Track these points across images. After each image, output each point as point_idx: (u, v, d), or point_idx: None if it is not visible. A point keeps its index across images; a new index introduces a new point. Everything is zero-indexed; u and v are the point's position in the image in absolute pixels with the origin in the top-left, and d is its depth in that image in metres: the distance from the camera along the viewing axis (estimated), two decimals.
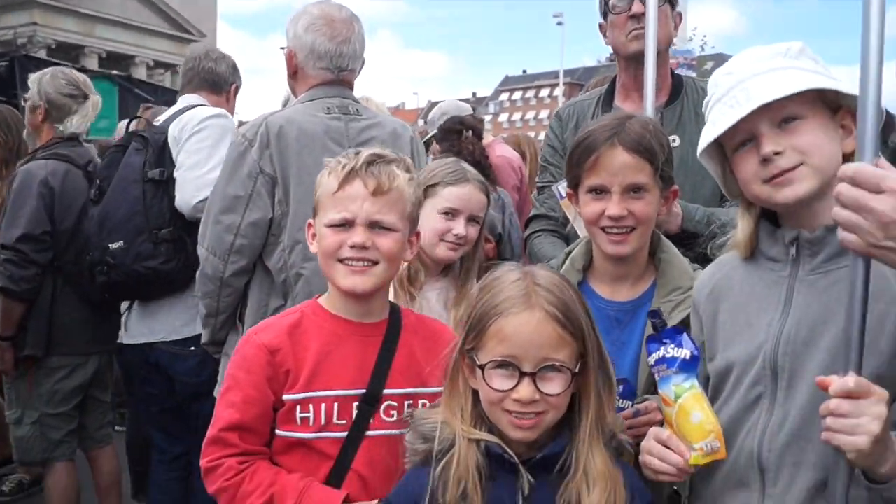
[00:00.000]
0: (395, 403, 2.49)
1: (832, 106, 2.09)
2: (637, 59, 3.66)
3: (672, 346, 2.18)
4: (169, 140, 4.55)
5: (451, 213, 3.27)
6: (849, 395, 1.80)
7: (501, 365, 2.08)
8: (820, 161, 2.05)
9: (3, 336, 4.76)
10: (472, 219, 3.30)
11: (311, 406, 2.41)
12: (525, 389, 2.05)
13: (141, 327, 4.65)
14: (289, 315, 2.56)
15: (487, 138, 6.59)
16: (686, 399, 2.13)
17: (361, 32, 3.91)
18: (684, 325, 2.37)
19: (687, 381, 2.14)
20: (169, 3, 44.51)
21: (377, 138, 3.81)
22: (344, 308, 2.52)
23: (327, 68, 3.82)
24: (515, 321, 2.07)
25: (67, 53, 37.03)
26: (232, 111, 5.09)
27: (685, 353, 2.16)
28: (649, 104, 3.40)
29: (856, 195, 1.73)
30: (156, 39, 44.54)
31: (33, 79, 5.10)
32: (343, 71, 3.85)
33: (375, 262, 2.45)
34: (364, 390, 2.45)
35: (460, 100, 7.48)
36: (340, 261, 2.44)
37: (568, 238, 3.70)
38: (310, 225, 2.58)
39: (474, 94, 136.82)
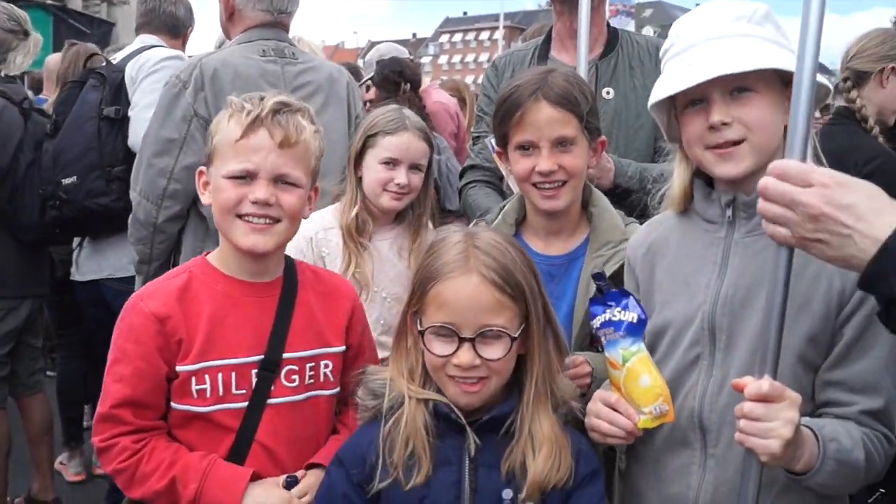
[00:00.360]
0: (297, 367, 2.37)
1: (785, 79, 2.06)
2: (571, 5, 3.67)
3: (618, 308, 2.15)
4: (126, 79, 4.63)
5: (391, 163, 3.26)
6: (762, 399, 1.82)
7: (441, 330, 2.08)
8: (762, 139, 2.07)
9: None
10: (413, 167, 3.29)
11: (206, 377, 2.26)
12: (464, 355, 2.05)
13: (91, 264, 4.75)
14: (176, 276, 2.38)
15: (425, 83, 6.55)
16: (634, 363, 2.11)
17: None
18: (624, 287, 2.35)
19: (634, 345, 2.12)
20: None
21: (313, 82, 3.81)
22: (238, 267, 2.37)
23: (267, 10, 3.78)
24: (453, 286, 2.06)
25: None
26: (184, 52, 5.16)
27: (632, 316, 2.13)
28: (583, 58, 3.44)
29: (784, 189, 1.74)
30: None
31: None
32: (282, 13, 3.82)
33: (277, 220, 2.30)
34: (262, 356, 2.32)
35: (399, 41, 7.40)
36: (240, 216, 2.28)
37: (503, 189, 3.74)
38: (201, 172, 2.41)
39: (415, 35, 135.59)
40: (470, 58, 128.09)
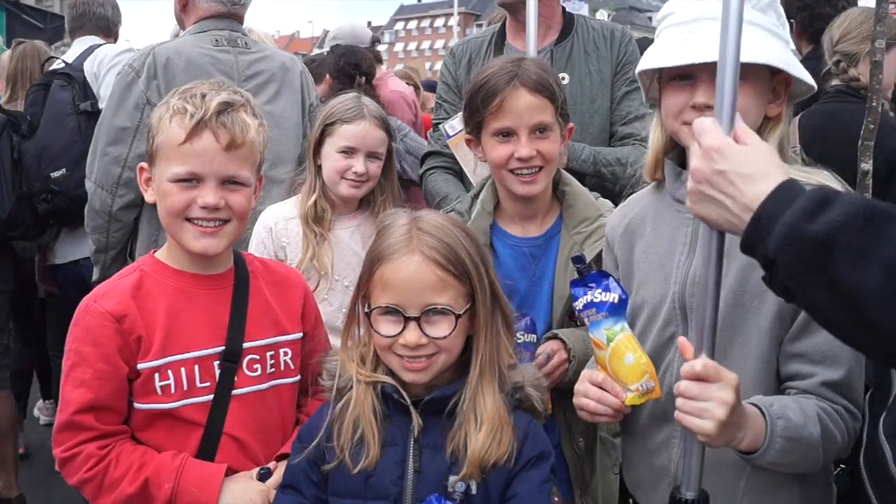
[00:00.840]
0: (258, 357, 2.36)
1: (773, 69, 2.08)
2: (509, 9, 3.75)
3: (599, 290, 2.15)
4: (88, 77, 4.87)
5: (348, 151, 3.26)
6: (697, 378, 1.82)
7: (387, 311, 2.10)
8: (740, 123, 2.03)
9: None
10: (371, 155, 3.30)
11: (170, 372, 2.24)
12: (411, 334, 2.07)
13: (70, 248, 4.94)
14: (127, 276, 2.35)
15: (381, 71, 6.56)
16: (618, 342, 2.12)
17: None
18: (603, 266, 2.40)
19: (617, 325, 2.13)
20: None
21: (266, 71, 3.86)
22: (189, 263, 2.35)
23: (220, 1, 3.82)
24: (395, 266, 2.09)
25: None
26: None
27: (613, 296, 2.14)
28: (531, 47, 3.46)
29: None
30: None
31: None
32: (235, 4, 3.87)
33: (227, 221, 2.28)
34: (223, 347, 2.31)
35: None
36: (188, 219, 2.25)
37: (463, 175, 3.80)
38: (142, 169, 2.36)
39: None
40: (426, 45, 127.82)
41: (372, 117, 3.31)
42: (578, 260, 2.24)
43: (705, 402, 1.80)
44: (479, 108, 2.68)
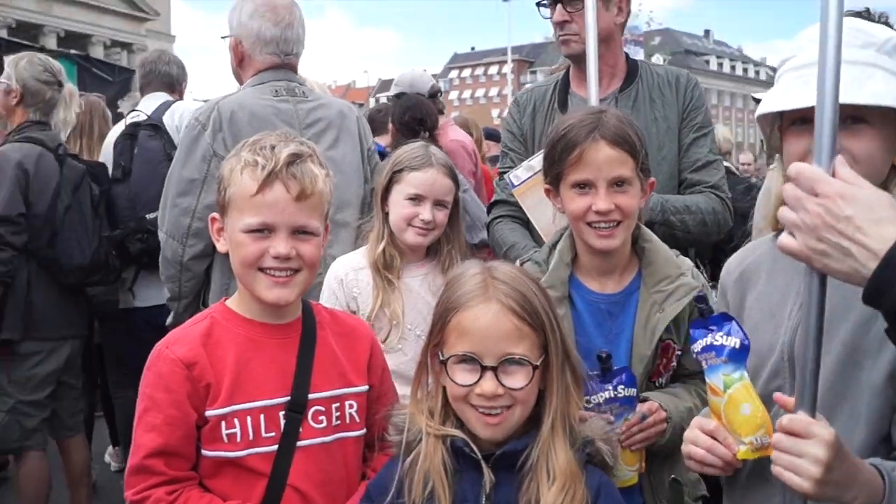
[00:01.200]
0: (323, 408, 2.36)
1: None
2: (573, 59, 3.76)
3: (720, 333, 2.07)
4: (169, 130, 5.29)
5: (416, 199, 3.27)
6: (788, 432, 1.76)
7: (463, 359, 2.07)
8: (866, 171, 1.85)
9: None
10: (438, 203, 3.29)
11: (236, 420, 2.25)
12: (487, 384, 2.04)
13: (151, 291, 5.06)
14: (198, 323, 2.38)
15: (440, 122, 6.55)
16: (736, 390, 2.02)
17: (301, 17, 4.03)
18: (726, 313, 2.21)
19: (737, 372, 2.04)
20: None
21: (325, 118, 3.94)
22: (259, 311, 2.37)
23: (274, 53, 3.92)
24: (472, 314, 2.07)
25: (27, 32, 36.73)
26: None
27: (735, 341, 2.05)
28: (593, 95, 3.43)
29: (796, 194, 1.69)
30: (112, 18, 44.08)
31: (9, 62, 5.06)
32: (288, 55, 3.96)
33: (298, 270, 2.31)
34: (289, 397, 2.32)
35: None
36: (261, 269, 2.29)
37: (530, 224, 3.75)
38: (213, 219, 2.41)
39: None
40: (480, 92, 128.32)
41: (440, 165, 3.32)
42: (700, 300, 2.20)
43: (798, 459, 1.73)
44: (558, 159, 2.66)
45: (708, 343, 2.09)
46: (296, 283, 2.31)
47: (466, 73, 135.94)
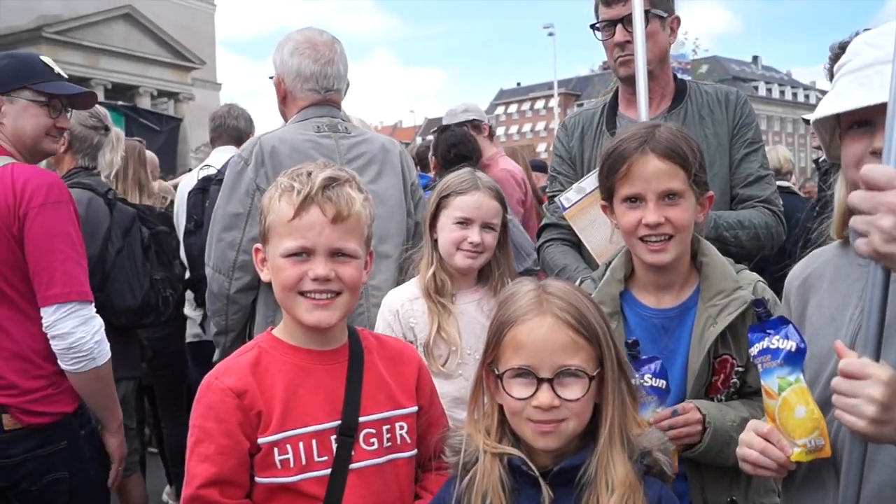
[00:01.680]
0: (374, 431, 2.37)
1: None
2: (631, 80, 3.74)
3: (777, 336, 2.08)
4: None
5: (464, 222, 3.29)
6: (846, 375, 1.78)
7: (519, 373, 2.09)
8: None
9: None
10: (486, 226, 3.31)
11: (288, 446, 2.27)
12: (544, 395, 2.05)
13: None
14: (246, 353, 2.40)
15: (489, 152, 6.53)
16: (790, 393, 2.04)
17: (344, 53, 4.07)
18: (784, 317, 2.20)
19: (792, 374, 2.05)
20: (169, 32, 44.99)
21: (367, 153, 3.97)
22: (305, 338, 2.39)
23: (314, 89, 3.96)
24: (527, 328, 2.09)
25: None
26: None
27: (791, 344, 2.06)
28: (643, 117, 3.45)
29: (868, 196, 1.69)
30: (158, 69, 45.06)
31: None
32: (329, 91, 3.99)
33: (339, 293, 2.32)
34: (339, 422, 2.33)
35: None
36: (302, 293, 2.31)
37: (581, 246, 3.76)
38: (257, 250, 2.44)
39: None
40: (527, 127, 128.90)
41: (486, 188, 3.34)
42: (759, 304, 2.18)
43: (854, 399, 1.76)
44: (609, 173, 2.67)
45: (764, 346, 2.09)
46: (337, 305, 2.32)
47: (513, 108, 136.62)
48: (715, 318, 2.60)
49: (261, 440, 2.25)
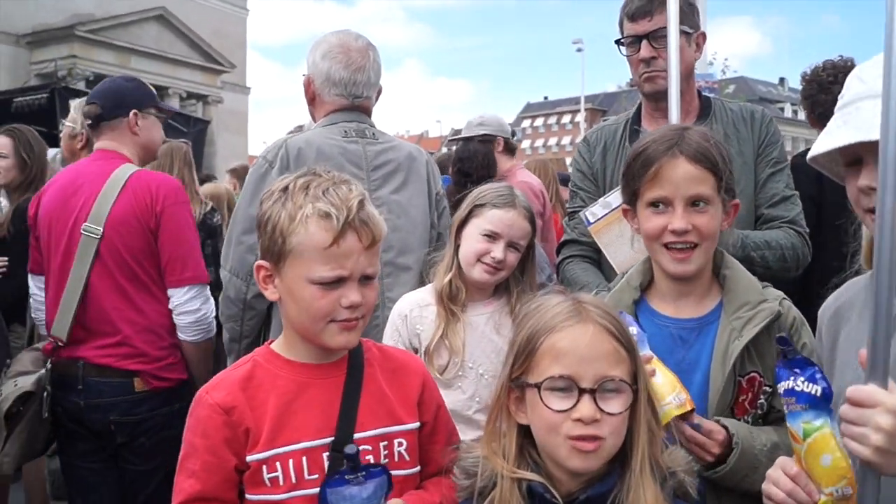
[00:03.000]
0: (370, 447, 2.28)
1: None
2: (655, 96, 3.73)
3: (802, 378, 1.98)
4: None
5: (492, 236, 3.25)
6: (854, 403, 1.75)
7: (558, 383, 1.96)
8: None
9: None
10: (512, 245, 3.27)
11: (277, 464, 2.21)
12: (586, 407, 1.92)
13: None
14: (240, 366, 2.35)
15: (506, 165, 6.50)
16: (815, 439, 1.95)
17: (377, 61, 4.02)
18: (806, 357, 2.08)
19: (818, 419, 1.95)
20: (201, 35, 45.21)
21: (393, 160, 3.92)
22: (305, 353, 2.33)
23: (342, 95, 3.93)
24: (569, 335, 1.98)
25: None
26: None
27: (816, 389, 1.96)
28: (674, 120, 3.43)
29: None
30: (188, 71, 45.21)
31: (74, 106, 5.15)
32: (358, 98, 3.96)
33: (364, 316, 2.28)
34: (332, 438, 2.25)
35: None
36: (332, 320, 2.24)
37: (601, 264, 3.72)
38: (260, 267, 2.32)
39: None
40: (552, 141, 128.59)
41: (522, 208, 3.31)
42: (783, 342, 2.04)
43: (862, 428, 1.73)
44: (636, 175, 2.56)
45: (790, 387, 2.00)
46: (360, 327, 2.28)
47: (539, 122, 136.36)
48: (740, 331, 2.49)
49: (249, 458, 2.21)
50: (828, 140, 1.99)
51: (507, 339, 2.97)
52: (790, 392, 2.00)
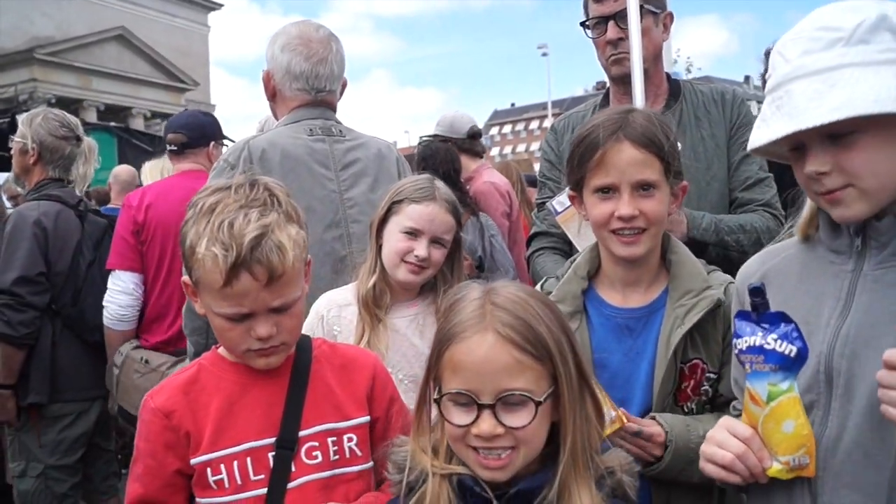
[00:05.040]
0: (317, 443, 2.25)
1: None
2: (623, 80, 3.63)
3: (773, 336, 1.85)
4: None
5: (413, 233, 3.05)
6: (892, 366, 1.67)
7: (458, 398, 1.86)
8: (872, 184, 1.83)
9: (3, 384, 4.58)
10: (436, 240, 3.08)
11: (221, 466, 2.19)
12: (485, 423, 1.82)
13: None
14: (185, 371, 2.34)
15: (472, 166, 6.37)
16: (780, 403, 1.84)
17: (340, 52, 3.84)
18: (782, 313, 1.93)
19: (785, 382, 1.84)
20: (163, 53, 45.05)
21: (362, 159, 3.76)
22: None
23: (304, 89, 3.75)
24: (465, 347, 1.85)
25: (67, 107, 37.17)
26: None
27: (791, 349, 1.83)
28: (638, 98, 3.38)
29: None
30: (151, 90, 45.14)
31: (23, 120, 4.95)
32: (321, 92, 3.78)
33: (283, 342, 2.22)
34: (276, 437, 2.23)
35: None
36: (247, 349, 2.21)
37: (572, 255, 3.62)
38: (186, 283, 2.26)
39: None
40: (521, 147, 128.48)
41: (443, 200, 3.10)
42: (757, 292, 1.89)
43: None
44: (580, 162, 2.49)
45: (756, 344, 1.87)
46: (282, 352, 2.25)
47: (507, 128, 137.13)
48: (682, 319, 2.43)
49: (193, 461, 2.20)
50: (764, 132, 1.92)
51: (429, 342, 2.81)
52: (756, 349, 1.87)
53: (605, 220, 2.45)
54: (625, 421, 2.13)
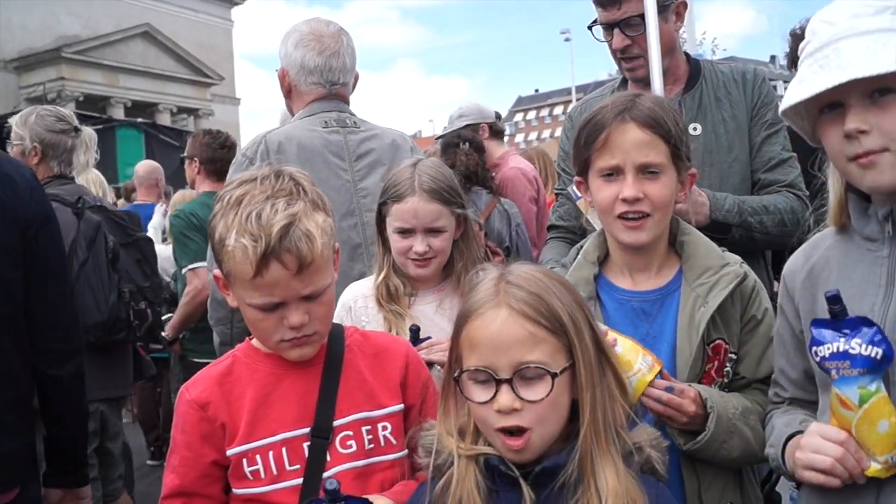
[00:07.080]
0: (352, 432, 2.26)
1: None
2: (638, 81, 3.58)
3: (857, 340, 1.86)
4: None
5: (405, 232, 3.02)
6: None
7: (476, 374, 1.89)
8: None
9: None
10: (430, 231, 3.01)
11: (257, 457, 2.20)
12: (504, 397, 1.84)
13: None
14: (220, 362, 2.35)
15: (497, 152, 6.37)
16: (872, 404, 1.85)
17: (351, 45, 3.92)
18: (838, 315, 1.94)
19: (873, 384, 1.85)
20: (187, 49, 45.32)
21: (376, 150, 3.81)
22: None
23: (319, 83, 3.83)
24: (480, 323, 1.89)
25: (95, 105, 38.31)
26: None
27: (875, 351, 1.84)
28: (657, 86, 3.33)
29: None
30: (177, 85, 45.48)
31: (16, 123, 4.78)
32: (335, 85, 3.85)
33: (316, 331, 2.23)
34: (311, 426, 2.23)
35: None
36: (280, 339, 2.21)
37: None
38: (217, 276, 2.29)
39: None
40: (546, 133, 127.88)
41: (422, 191, 2.99)
42: (833, 300, 1.91)
43: None
44: (585, 144, 2.46)
45: (840, 350, 1.88)
46: (314, 341, 2.25)
47: (531, 115, 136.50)
48: (705, 298, 2.40)
49: (229, 452, 2.21)
50: (805, 88, 1.92)
51: None
52: (840, 355, 1.88)
53: (609, 204, 2.41)
54: (661, 364, 2.13)
